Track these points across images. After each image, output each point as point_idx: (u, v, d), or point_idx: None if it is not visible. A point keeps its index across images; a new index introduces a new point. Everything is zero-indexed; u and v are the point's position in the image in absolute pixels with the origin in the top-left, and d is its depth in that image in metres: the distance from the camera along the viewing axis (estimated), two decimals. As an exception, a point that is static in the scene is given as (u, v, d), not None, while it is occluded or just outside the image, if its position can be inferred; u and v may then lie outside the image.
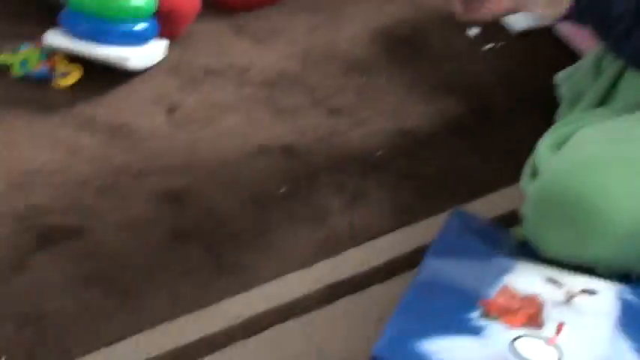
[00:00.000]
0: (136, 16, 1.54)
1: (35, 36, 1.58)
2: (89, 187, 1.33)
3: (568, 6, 1.22)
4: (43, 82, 1.52)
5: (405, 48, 1.65)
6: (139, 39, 1.54)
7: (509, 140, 1.45)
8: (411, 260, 1.22)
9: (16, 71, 1.53)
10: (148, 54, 1.55)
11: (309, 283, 1.20)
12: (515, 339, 1.06)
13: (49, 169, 1.37)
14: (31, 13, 1.66)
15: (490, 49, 1.66)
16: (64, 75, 1.53)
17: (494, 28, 1.68)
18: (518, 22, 1.68)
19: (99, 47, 1.51)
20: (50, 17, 1.59)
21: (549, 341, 1.05)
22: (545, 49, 1.61)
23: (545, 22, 1.39)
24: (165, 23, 1.58)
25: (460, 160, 1.43)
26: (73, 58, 1.54)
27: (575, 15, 1.23)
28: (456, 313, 1.09)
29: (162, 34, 1.58)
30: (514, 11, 1.30)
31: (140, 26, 1.54)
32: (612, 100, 1.35)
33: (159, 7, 1.57)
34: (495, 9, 1.32)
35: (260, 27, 1.68)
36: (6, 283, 1.17)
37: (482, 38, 1.68)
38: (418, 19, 1.72)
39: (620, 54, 1.29)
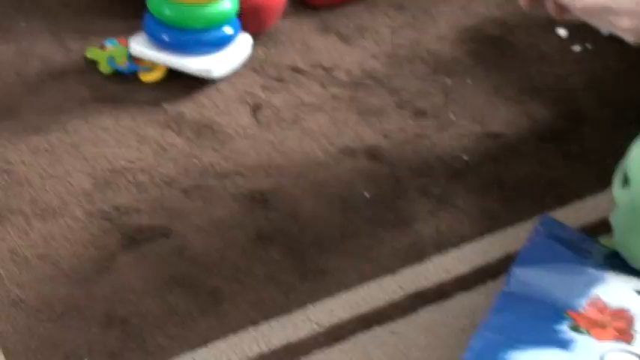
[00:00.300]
0: (219, 22, 1.54)
1: (122, 31, 1.60)
2: (174, 187, 1.34)
3: None
4: (129, 80, 1.53)
5: (492, 48, 1.64)
6: (223, 43, 1.55)
7: (599, 146, 1.44)
8: (497, 268, 1.22)
9: (104, 68, 1.54)
10: (232, 59, 1.55)
11: (393, 290, 1.19)
12: (604, 353, 1.05)
13: (135, 167, 1.38)
14: (118, 8, 1.67)
15: (580, 50, 1.65)
16: (149, 70, 1.54)
17: (584, 29, 1.63)
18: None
19: (181, 58, 1.52)
20: (138, 13, 1.59)
21: (640, 357, 1.04)
22: (638, 52, 1.58)
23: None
24: (250, 21, 1.58)
25: (547, 165, 1.41)
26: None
27: None
28: (544, 324, 1.08)
29: (247, 31, 1.58)
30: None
31: (223, 31, 1.54)
32: None
33: (245, 4, 1.57)
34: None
35: (346, 25, 1.68)
36: (91, 284, 1.19)
37: (572, 39, 1.66)
38: (505, 19, 1.71)
39: None
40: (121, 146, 1.41)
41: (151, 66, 1.54)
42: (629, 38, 1.25)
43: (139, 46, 1.54)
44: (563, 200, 1.34)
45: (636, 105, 1.46)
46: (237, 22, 1.57)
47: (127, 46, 1.56)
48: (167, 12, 1.51)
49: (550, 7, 1.30)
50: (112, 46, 1.57)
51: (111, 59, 1.55)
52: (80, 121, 1.45)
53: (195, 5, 1.51)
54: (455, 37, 1.67)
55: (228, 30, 1.55)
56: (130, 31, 1.58)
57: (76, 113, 1.48)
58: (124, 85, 1.53)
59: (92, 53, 1.56)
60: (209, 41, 1.54)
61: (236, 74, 1.55)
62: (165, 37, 1.52)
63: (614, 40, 1.62)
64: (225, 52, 1.55)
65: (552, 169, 1.41)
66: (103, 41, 1.59)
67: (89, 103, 1.49)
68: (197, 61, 1.52)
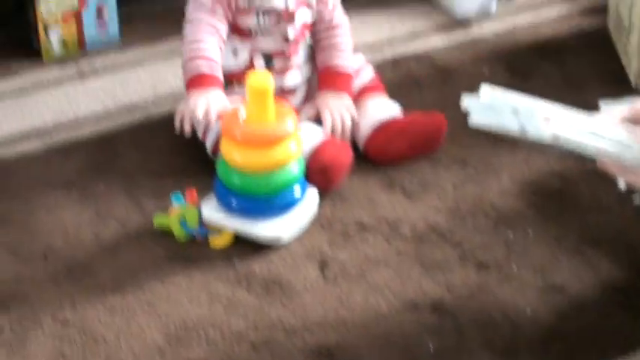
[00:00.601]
0: (286, 187, 1.57)
1: (187, 188, 1.62)
2: (244, 342, 1.37)
3: None
4: (199, 237, 1.57)
5: (553, 201, 1.66)
6: (291, 207, 1.57)
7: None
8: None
9: (179, 233, 1.56)
10: (300, 220, 1.58)
11: None
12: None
13: (206, 323, 1.41)
14: (192, 169, 1.72)
15: None
16: (217, 234, 1.56)
17: None
18: None
19: (251, 225, 1.55)
20: (212, 173, 1.64)
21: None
22: None
23: None
24: (318, 179, 1.62)
25: (611, 317, 1.42)
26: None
27: None
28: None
29: (315, 188, 1.62)
30: None
31: (290, 195, 1.57)
32: None
33: (313, 163, 1.61)
34: None
35: (410, 180, 1.70)
36: None
37: (632, 191, 1.65)
38: (566, 171, 1.71)
39: None
40: (193, 303, 1.45)
41: (218, 230, 1.57)
42: None
43: (211, 212, 1.57)
44: (626, 352, 1.34)
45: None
46: (305, 184, 1.60)
47: (195, 203, 1.59)
48: (235, 180, 1.56)
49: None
50: (178, 203, 1.58)
51: (183, 222, 1.56)
52: (154, 280, 1.50)
53: (262, 174, 1.55)
54: (516, 190, 1.68)
55: (295, 193, 1.58)
56: (202, 188, 1.62)
57: (151, 272, 1.52)
58: (196, 244, 1.56)
59: (160, 220, 1.58)
60: (277, 206, 1.56)
61: (304, 230, 1.58)
62: (234, 203, 1.56)
63: None
64: (293, 214, 1.58)
65: (616, 321, 1.41)
66: (165, 202, 1.62)
67: (163, 263, 1.53)
68: (266, 228, 1.55)
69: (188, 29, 1.70)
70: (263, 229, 1.56)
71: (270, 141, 1.55)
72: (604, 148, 1.29)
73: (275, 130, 1.55)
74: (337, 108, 1.73)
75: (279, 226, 1.56)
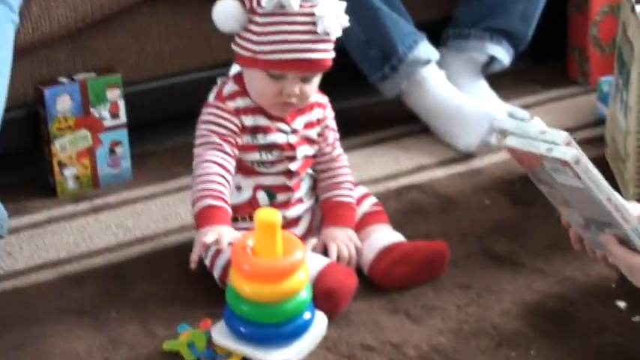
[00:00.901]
0: (295, 315, 1.57)
1: (204, 317, 1.65)
2: None
3: None
4: None
5: (554, 322, 1.66)
6: (300, 333, 1.58)
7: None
8: None
9: (188, 357, 1.58)
10: (308, 344, 1.58)
11: None
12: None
13: None
14: (202, 297, 1.74)
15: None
16: (226, 357, 1.58)
17: None
18: None
19: (260, 351, 1.55)
20: (222, 300, 1.64)
21: None
22: None
23: None
24: (324, 303, 1.63)
25: None
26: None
27: None
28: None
29: (321, 311, 1.62)
30: None
31: (299, 322, 1.57)
32: None
33: (318, 288, 1.62)
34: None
35: (414, 304, 1.71)
36: None
37: (632, 310, 1.66)
38: (566, 293, 1.72)
39: None
40: None
41: (228, 353, 1.58)
42: None
43: (221, 337, 1.58)
44: None
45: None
46: (313, 309, 1.60)
47: (204, 330, 1.60)
48: (244, 309, 1.56)
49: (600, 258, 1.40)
50: (184, 330, 1.61)
51: (192, 345, 1.58)
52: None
53: (271, 304, 1.56)
54: (518, 311, 1.68)
55: (303, 320, 1.58)
56: (211, 315, 1.64)
57: None
58: None
59: (170, 345, 1.60)
60: (286, 333, 1.56)
61: (310, 353, 1.58)
62: (243, 330, 1.56)
63: None
64: (302, 339, 1.58)
65: None
66: (173, 331, 1.63)
67: None
68: (275, 353, 1.55)
69: (197, 166, 1.72)
70: (272, 354, 1.56)
71: (279, 274, 1.55)
72: (619, 206, 1.32)
73: (283, 264, 1.55)
74: (342, 240, 1.75)
75: (288, 351, 1.57)
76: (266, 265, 1.55)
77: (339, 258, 1.74)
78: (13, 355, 1.62)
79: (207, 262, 1.74)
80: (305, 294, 1.59)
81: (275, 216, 1.54)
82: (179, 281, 1.78)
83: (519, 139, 1.33)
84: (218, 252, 1.70)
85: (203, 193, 1.67)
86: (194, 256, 1.64)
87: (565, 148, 1.28)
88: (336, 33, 1.70)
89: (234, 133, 1.72)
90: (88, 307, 1.73)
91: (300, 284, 1.58)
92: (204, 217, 1.66)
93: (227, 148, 1.72)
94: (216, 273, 1.73)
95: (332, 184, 1.83)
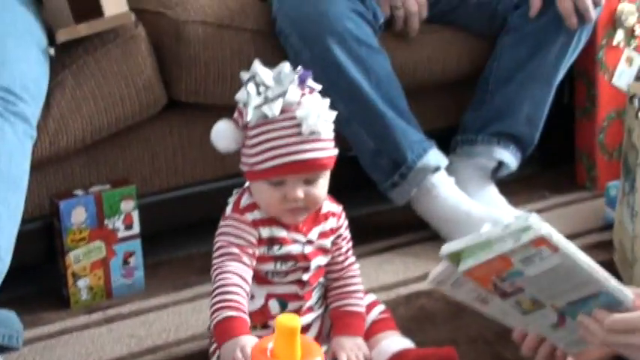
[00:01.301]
0: None
1: None
2: None
3: None
4: None
5: None
6: None
7: None
8: None
9: None
10: None
11: None
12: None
13: None
14: None
15: None
16: None
17: None
18: None
19: None
20: None
21: None
22: None
23: None
24: None
25: None
26: None
27: None
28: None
29: None
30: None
31: None
32: None
33: None
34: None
35: None
36: None
37: None
38: None
39: None
40: None
41: None
42: None
43: None
44: None
45: None
46: None
47: None
48: None
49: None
50: None
51: None
52: None
53: None
54: None
55: None
56: None
57: None
58: None
59: None
60: None
61: None
62: None
63: None
64: None
65: None
66: None
67: None
68: None
69: (216, 278, 1.69)
70: None
71: None
72: (598, 269, 1.31)
73: None
74: (352, 349, 1.75)
75: None
76: None
77: None
78: None
79: None
80: None
81: (295, 321, 1.53)
82: None
83: (476, 256, 1.33)
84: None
85: (222, 305, 1.65)
86: None
87: (532, 228, 1.27)
88: (324, 131, 1.70)
89: (252, 244, 1.73)
90: None
91: None
92: (224, 329, 1.64)
93: (245, 259, 1.71)
94: None
95: (343, 293, 1.84)
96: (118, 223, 2.08)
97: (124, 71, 2.10)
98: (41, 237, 2.08)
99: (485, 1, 2.31)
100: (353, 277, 1.85)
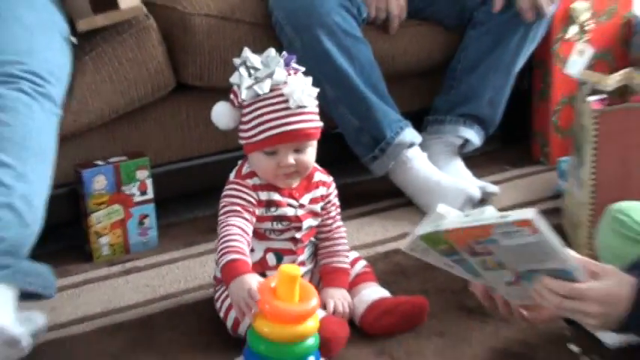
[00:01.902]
0: (305, 356, 1.60)
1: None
2: None
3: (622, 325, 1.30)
4: None
5: None
6: None
7: None
8: None
9: None
10: None
11: None
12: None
13: None
14: (204, 342, 1.79)
15: None
16: None
17: (592, 345, 1.70)
18: (612, 338, 1.67)
19: None
20: (224, 345, 1.73)
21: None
22: None
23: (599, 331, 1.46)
24: (322, 349, 1.65)
25: None
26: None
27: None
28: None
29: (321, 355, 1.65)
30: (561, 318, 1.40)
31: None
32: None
33: (320, 336, 1.64)
34: (538, 319, 1.42)
35: (397, 349, 1.74)
36: None
37: (582, 352, 1.70)
38: (527, 339, 1.75)
39: None
40: None
41: None
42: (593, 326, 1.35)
43: None
44: None
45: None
46: (318, 354, 1.64)
47: None
48: (261, 347, 1.59)
49: (500, 307, 1.43)
50: None
51: None
52: None
53: (285, 344, 1.59)
54: (486, 356, 1.72)
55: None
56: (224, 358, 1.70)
57: None
58: None
59: None
60: None
61: None
62: None
63: (622, 354, 1.68)
64: None
65: None
66: None
67: None
68: None
69: (221, 230, 1.72)
70: None
71: (297, 317, 1.58)
72: (564, 249, 1.31)
73: (301, 309, 1.58)
74: (338, 298, 1.80)
75: None
76: (286, 308, 1.57)
77: (335, 312, 1.79)
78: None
79: (221, 314, 1.79)
80: (313, 340, 1.61)
81: (296, 270, 1.57)
82: (197, 331, 1.83)
83: (464, 220, 1.35)
84: (231, 306, 1.74)
85: (227, 250, 1.68)
86: (248, 302, 1.61)
87: (521, 211, 1.29)
88: (309, 104, 1.73)
89: (252, 204, 1.76)
90: (119, 354, 1.77)
91: (310, 330, 1.61)
92: (230, 270, 1.66)
93: (246, 215, 1.74)
94: (229, 323, 1.77)
95: (331, 252, 1.88)
96: (134, 189, 2.11)
97: (138, 58, 2.12)
98: (67, 201, 2.11)
99: None
100: (340, 238, 1.90)
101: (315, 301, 1.61)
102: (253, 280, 1.65)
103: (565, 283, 1.33)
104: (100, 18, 2.06)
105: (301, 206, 1.82)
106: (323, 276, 1.87)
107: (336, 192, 1.88)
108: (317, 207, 1.85)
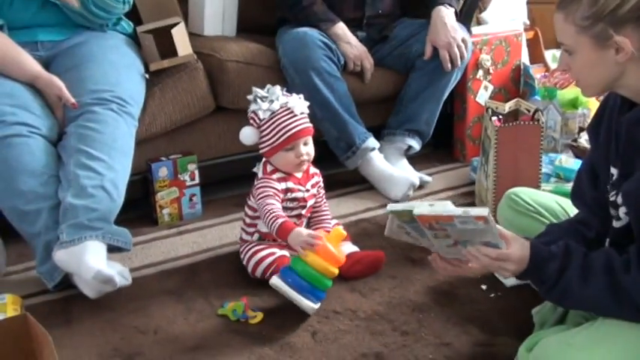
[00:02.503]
0: (325, 288, 1.56)
1: (237, 295, 1.64)
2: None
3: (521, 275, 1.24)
4: (243, 320, 1.58)
5: (445, 297, 1.65)
6: (321, 298, 1.58)
7: None
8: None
9: (232, 317, 1.57)
10: (314, 307, 1.56)
11: None
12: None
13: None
14: (232, 282, 1.72)
15: (494, 295, 1.64)
16: (253, 317, 1.58)
17: (496, 283, 1.66)
18: (510, 281, 1.64)
19: (300, 298, 1.54)
20: (246, 284, 1.65)
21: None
22: (530, 294, 1.57)
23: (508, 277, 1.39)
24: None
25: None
26: (259, 308, 1.59)
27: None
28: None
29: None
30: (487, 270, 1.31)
31: (322, 293, 1.57)
32: (564, 322, 1.35)
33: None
34: (471, 270, 1.33)
35: (363, 287, 1.69)
36: None
37: (489, 290, 1.65)
38: (453, 281, 1.70)
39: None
40: (239, 354, 1.46)
41: (254, 315, 1.57)
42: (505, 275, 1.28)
43: (277, 282, 1.54)
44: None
45: (529, 329, 1.41)
46: (324, 295, 1.58)
47: (242, 302, 1.59)
48: (299, 267, 1.53)
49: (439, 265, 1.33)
50: (227, 305, 1.59)
51: (235, 311, 1.58)
52: (219, 339, 1.52)
53: (317, 273, 1.53)
54: (425, 291, 1.66)
55: (323, 293, 1.57)
56: (246, 294, 1.63)
57: (217, 337, 1.53)
58: (242, 322, 1.57)
59: (222, 311, 1.60)
60: (314, 294, 1.54)
61: (303, 313, 1.58)
62: (290, 280, 1.52)
63: (515, 289, 1.63)
64: (316, 303, 1.56)
65: None
66: (223, 303, 1.62)
67: (223, 331, 1.54)
68: (304, 301, 1.54)
69: (263, 208, 1.65)
70: (302, 301, 1.54)
71: (336, 261, 1.56)
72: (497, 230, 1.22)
73: (339, 258, 1.57)
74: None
75: (306, 302, 1.54)
76: (333, 252, 1.56)
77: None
78: (129, 316, 1.61)
79: (244, 262, 1.72)
80: (330, 282, 1.57)
81: (343, 232, 1.60)
82: (228, 274, 1.77)
83: (432, 209, 1.25)
84: (251, 256, 1.69)
85: (275, 217, 1.63)
86: (311, 241, 1.56)
87: (479, 209, 1.21)
88: (306, 111, 1.71)
89: (278, 190, 1.71)
90: (174, 290, 1.72)
91: (335, 273, 1.57)
92: (283, 228, 1.61)
93: (276, 197, 1.69)
94: (249, 268, 1.71)
95: (319, 219, 1.83)
96: (186, 176, 2.04)
97: (190, 88, 2.05)
98: (141, 184, 2.04)
99: (402, 52, 2.25)
100: (325, 210, 1.84)
101: (343, 259, 1.59)
102: (304, 230, 1.62)
103: (494, 250, 1.26)
104: (165, 62, 2.03)
105: (307, 190, 1.77)
106: (314, 222, 1.83)
107: (322, 180, 1.84)
108: (314, 190, 1.80)
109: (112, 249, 1.67)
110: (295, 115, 1.69)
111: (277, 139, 1.70)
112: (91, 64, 1.83)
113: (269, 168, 1.75)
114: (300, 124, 1.70)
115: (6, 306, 1.53)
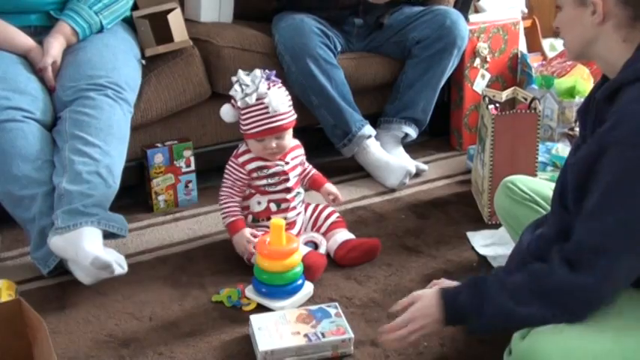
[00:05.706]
0: (293, 280, 1.57)
1: (232, 282, 1.64)
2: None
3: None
4: (237, 307, 1.58)
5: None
6: (296, 291, 1.58)
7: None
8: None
9: (227, 303, 1.58)
10: (301, 298, 1.57)
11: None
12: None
13: (237, 343, 1.42)
14: (228, 269, 1.72)
15: None
16: (247, 304, 1.58)
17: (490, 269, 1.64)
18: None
19: (271, 302, 1.55)
20: (243, 271, 1.65)
21: None
22: None
23: None
24: (308, 273, 1.62)
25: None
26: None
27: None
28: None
29: (307, 279, 1.61)
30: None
31: (294, 285, 1.57)
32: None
33: (304, 265, 1.60)
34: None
35: (359, 274, 1.70)
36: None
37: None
38: (447, 268, 1.70)
39: None
40: (231, 335, 1.47)
41: (248, 302, 1.57)
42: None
43: (251, 293, 1.58)
44: None
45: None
46: (304, 278, 1.59)
47: (237, 289, 1.60)
48: (264, 277, 1.56)
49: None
50: (223, 291, 1.60)
51: (229, 298, 1.58)
52: (213, 324, 1.52)
53: (279, 273, 1.55)
54: (419, 279, 1.65)
55: (297, 284, 1.57)
56: (242, 281, 1.63)
57: (211, 323, 1.53)
58: (235, 308, 1.57)
59: (216, 297, 1.60)
60: (287, 291, 1.56)
61: (301, 304, 1.58)
62: (263, 290, 1.56)
63: None
64: (295, 296, 1.57)
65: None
66: (218, 289, 1.63)
67: (217, 317, 1.55)
68: (279, 303, 1.55)
69: (220, 199, 1.73)
70: (278, 303, 1.55)
71: (283, 255, 1.55)
72: None
73: (285, 249, 1.55)
74: (329, 192, 1.80)
75: (287, 302, 1.55)
76: (276, 249, 1.55)
77: (336, 200, 1.80)
78: (124, 302, 1.61)
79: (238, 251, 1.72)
80: (298, 268, 1.57)
81: (282, 222, 1.55)
82: (223, 261, 1.76)
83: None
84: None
85: (225, 214, 1.71)
86: (250, 248, 1.66)
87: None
88: (284, 108, 1.69)
89: (240, 177, 1.72)
90: (169, 275, 1.72)
91: (295, 262, 1.57)
92: (231, 228, 1.71)
93: (235, 187, 1.73)
94: (244, 256, 1.71)
95: (310, 177, 1.83)
96: (182, 163, 2.03)
97: (186, 74, 2.04)
98: (136, 171, 2.03)
99: (399, 40, 2.24)
100: (312, 170, 1.84)
101: (295, 244, 1.57)
102: (247, 232, 1.67)
103: (395, 321, 1.28)
104: (161, 47, 2.02)
105: (287, 163, 1.76)
106: (311, 184, 1.84)
107: (303, 150, 1.81)
108: (297, 161, 1.79)
109: (107, 235, 1.66)
110: (268, 113, 1.68)
111: (248, 130, 1.71)
112: (89, 47, 1.82)
113: (242, 148, 1.76)
114: (272, 122, 1.68)
115: (0, 291, 1.52)
